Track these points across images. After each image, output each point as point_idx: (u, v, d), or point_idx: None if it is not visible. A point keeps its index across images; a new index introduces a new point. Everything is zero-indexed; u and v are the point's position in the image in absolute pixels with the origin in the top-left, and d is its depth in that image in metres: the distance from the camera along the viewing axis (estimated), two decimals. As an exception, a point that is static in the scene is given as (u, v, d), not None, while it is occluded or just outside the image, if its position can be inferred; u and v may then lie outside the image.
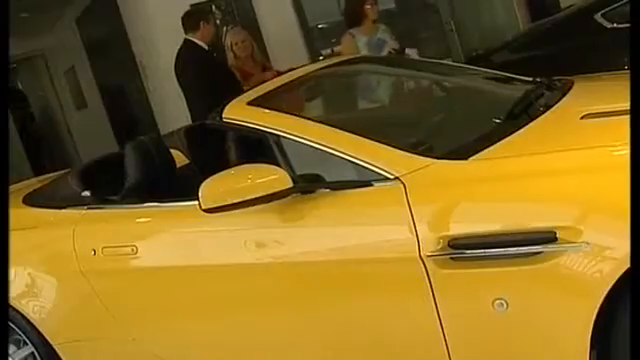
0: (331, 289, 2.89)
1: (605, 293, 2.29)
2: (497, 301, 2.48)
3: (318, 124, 3.08)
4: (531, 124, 2.99)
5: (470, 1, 9.94)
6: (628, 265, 2.23)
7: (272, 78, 4.45)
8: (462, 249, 2.52)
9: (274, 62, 7.59)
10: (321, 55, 8.80)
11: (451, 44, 9.41)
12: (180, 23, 6.65)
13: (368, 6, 6.52)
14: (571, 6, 7.00)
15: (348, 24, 6.70)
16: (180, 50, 6.62)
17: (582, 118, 2.94)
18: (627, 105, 2.86)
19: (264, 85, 3.61)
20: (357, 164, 2.82)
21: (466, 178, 2.65)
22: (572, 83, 3.54)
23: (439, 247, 2.54)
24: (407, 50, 6.56)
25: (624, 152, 2.47)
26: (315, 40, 9.16)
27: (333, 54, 8.98)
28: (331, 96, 4.16)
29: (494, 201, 2.56)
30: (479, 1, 10.01)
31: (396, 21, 6.85)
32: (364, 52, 6.31)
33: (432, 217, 2.61)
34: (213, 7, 8.15)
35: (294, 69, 3.96)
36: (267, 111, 3.19)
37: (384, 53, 6.34)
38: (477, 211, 2.58)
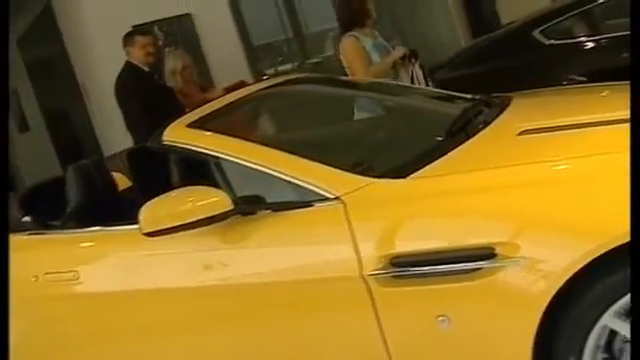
0: (276, 310, 2.88)
1: (545, 306, 2.32)
2: (440, 318, 2.50)
3: (258, 145, 3.09)
4: (469, 141, 3.02)
5: (412, 19, 10.00)
6: (566, 277, 2.27)
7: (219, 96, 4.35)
8: (403, 267, 2.53)
9: (217, 83, 7.57)
10: (265, 75, 8.79)
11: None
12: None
13: (369, 5, 5.76)
14: (512, 23, 7.09)
15: (347, 26, 5.80)
16: (121, 72, 6.59)
17: (519, 134, 2.97)
18: (564, 121, 2.93)
19: (204, 107, 3.59)
20: (297, 185, 2.82)
21: (405, 196, 2.67)
22: (510, 99, 3.58)
23: (380, 266, 2.55)
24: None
25: (561, 167, 2.54)
26: (259, 60, 9.17)
27: (277, 73, 8.98)
28: (272, 117, 4.16)
29: (433, 218, 2.58)
30: (421, 19, 10.07)
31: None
32: (374, 55, 5.60)
33: (373, 236, 2.63)
34: (155, 28, 8.10)
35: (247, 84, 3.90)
36: (207, 133, 3.18)
37: (393, 57, 5.58)
38: (417, 229, 2.60)
